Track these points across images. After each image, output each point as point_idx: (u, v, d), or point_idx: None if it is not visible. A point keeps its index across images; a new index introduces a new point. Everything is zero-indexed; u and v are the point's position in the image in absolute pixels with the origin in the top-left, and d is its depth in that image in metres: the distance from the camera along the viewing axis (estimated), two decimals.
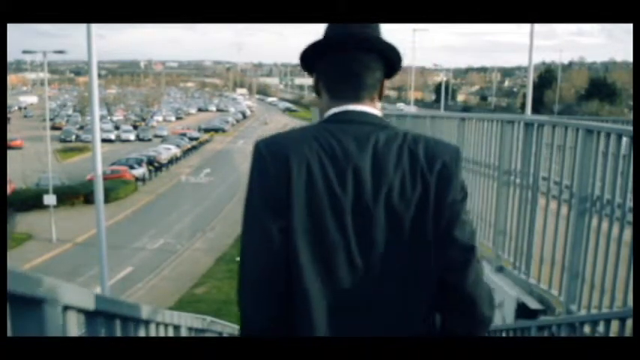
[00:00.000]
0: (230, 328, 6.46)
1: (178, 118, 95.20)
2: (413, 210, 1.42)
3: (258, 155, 1.46)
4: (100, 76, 47.26)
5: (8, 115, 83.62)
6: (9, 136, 60.99)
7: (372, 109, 1.52)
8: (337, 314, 1.45)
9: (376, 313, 1.46)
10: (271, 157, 1.43)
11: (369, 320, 1.47)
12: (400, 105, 68.47)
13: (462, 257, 1.45)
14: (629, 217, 3.83)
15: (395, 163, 1.43)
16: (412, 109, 55.08)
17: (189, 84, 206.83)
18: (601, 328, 3.50)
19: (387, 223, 1.42)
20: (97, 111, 13.18)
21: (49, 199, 28.01)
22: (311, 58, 1.59)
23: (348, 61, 1.53)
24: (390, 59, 1.58)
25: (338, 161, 1.42)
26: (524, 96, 38.42)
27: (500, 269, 5.59)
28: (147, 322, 3.05)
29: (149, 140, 63.34)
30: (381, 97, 1.57)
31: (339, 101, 1.52)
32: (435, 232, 1.44)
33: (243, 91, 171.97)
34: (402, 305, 1.47)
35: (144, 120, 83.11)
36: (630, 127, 4.01)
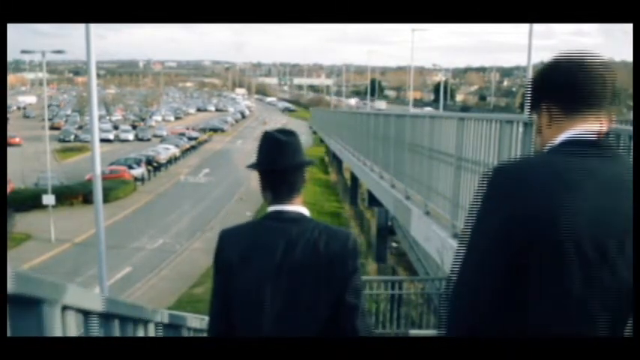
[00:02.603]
0: None
1: (177, 118, 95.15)
2: (312, 282, 2.11)
3: (219, 240, 2.25)
4: (98, 75, 47.19)
5: (7, 115, 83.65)
6: (7, 134, 61.35)
7: (297, 206, 2.24)
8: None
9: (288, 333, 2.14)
10: (224, 243, 2.23)
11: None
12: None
13: (349, 311, 2.13)
14: None
15: (302, 250, 2.13)
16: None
17: (188, 84, 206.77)
18: None
19: (292, 289, 2.12)
20: (96, 111, 13.12)
21: (48, 199, 27.95)
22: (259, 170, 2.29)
23: (286, 178, 2.23)
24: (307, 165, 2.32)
25: (263, 249, 2.15)
26: (523, 96, 38.43)
27: None
28: (146, 322, 3.05)
29: (148, 140, 63.27)
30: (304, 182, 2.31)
31: (277, 200, 2.23)
32: (332, 295, 2.11)
33: (242, 91, 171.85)
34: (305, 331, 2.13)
35: (143, 120, 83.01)
36: (629, 127, 4.02)
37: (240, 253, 2.17)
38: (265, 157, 2.25)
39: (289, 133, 2.27)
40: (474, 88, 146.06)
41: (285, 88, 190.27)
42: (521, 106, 49.73)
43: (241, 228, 2.29)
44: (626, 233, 1.48)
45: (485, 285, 1.54)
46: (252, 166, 2.26)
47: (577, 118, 1.57)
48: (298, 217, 2.21)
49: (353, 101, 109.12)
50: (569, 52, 1.63)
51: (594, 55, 1.61)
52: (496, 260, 1.51)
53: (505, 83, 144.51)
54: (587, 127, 1.56)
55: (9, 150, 51.85)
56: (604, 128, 1.57)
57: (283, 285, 2.12)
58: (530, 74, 26.70)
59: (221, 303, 2.24)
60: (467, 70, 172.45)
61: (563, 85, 1.59)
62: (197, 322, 4.79)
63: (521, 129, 5.43)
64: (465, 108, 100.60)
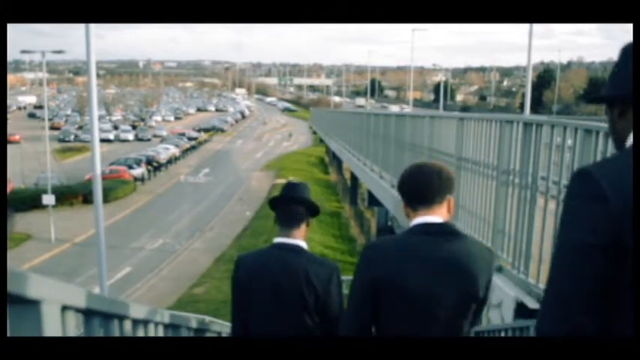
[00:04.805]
0: (229, 327, 6.45)
1: (177, 118, 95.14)
2: (303, 305, 2.78)
3: (236, 263, 2.95)
4: (98, 75, 46.81)
5: (7, 115, 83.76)
6: (7, 133, 62.16)
7: (296, 239, 2.90)
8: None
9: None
10: (240, 266, 2.93)
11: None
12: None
13: (332, 321, 2.77)
14: None
15: (296, 280, 2.78)
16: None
17: (188, 84, 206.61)
18: None
19: (287, 306, 2.78)
20: (96, 111, 13.11)
21: (48, 199, 27.94)
22: (273, 204, 3.03)
23: (290, 209, 2.94)
24: (311, 208, 2.99)
25: (268, 272, 2.82)
26: (523, 96, 38.42)
27: (499, 269, 5.60)
28: (146, 322, 3.05)
29: (148, 140, 63.27)
30: (308, 225, 2.98)
31: (283, 231, 2.92)
32: (316, 312, 2.79)
33: (242, 91, 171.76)
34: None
35: (143, 120, 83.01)
36: None
37: (251, 275, 2.85)
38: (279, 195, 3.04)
39: (301, 182, 3.13)
40: (474, 88, 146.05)
41: (291, 89, 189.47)
42: (521, 106, 49.73)
43: (253, 254, 3.02)
44: (454, 291, 2.15)
45: (357, 317, 2.26)
46: (270, 202, 3.07)
47: (420, 210, 2.26)
48: (297, 249, 2.89)
49: (337, 98, 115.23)
50: (417, 163, 2.39)
51: (431, 164, 2.36)
52: (363, 306, 2.22)
53: (505, 83, 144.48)
54: (430, 216, 2.24)
55: (8, 148, 51.99)
56: (444, 216, 2.26)
57: (281, 304, 2.79)
58: (530, 74, 26.67)
59: (237, 313, 2.92)
60: (467, 70, 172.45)
61: (407, 190, 2.31)
62: (196, 322, 4.78)
63: (521, 129, 5.43)
64: (465, 108, 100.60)
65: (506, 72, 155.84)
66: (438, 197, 2.25)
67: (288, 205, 2.95)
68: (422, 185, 2.27)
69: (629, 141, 1.49)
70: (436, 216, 2.25)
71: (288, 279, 2.78)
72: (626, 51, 1.52)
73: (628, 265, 1.34)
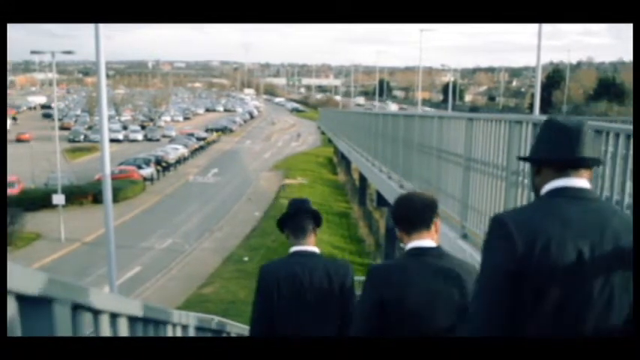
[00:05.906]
0: (238, 327, 6.46)
1: (186, 119, 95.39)
2: (328, 299, 3.22)
3: (260, 272, 3.30)
4: (107, 76, 46.93)
5: (17, 115, 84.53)
6: (18, 130, 63.41)
7: (310, 246, 3.36)
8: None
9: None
10: (264, 274, 3.29)
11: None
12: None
13: (349, 316, 3.11)
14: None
15: (320, 279, 3.23)
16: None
17: (197, 84, 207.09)
18: None
19: (314, 303, 3.21)
20: (106, 111, 13.15)
21: (58, 199, 28.07)
22: (282, 221, 3.46)
23: (299, 221, 3.39)
24: (317, 217, 3.43)
25: (293, 278, 3.23)
26: (532, 96, 38.23)
27: None
28: (155, 322, 3.06)
29: (157, 140, 63.46)
30: (316, 234, 3.42)
31: (297, 241, 3.37)
32: (338, 306, 3.23)
33: (251, 91, 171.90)
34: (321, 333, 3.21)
35: (152, 120, 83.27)
36: (629, 127, 3.99)
37: (279, 280, 3.22)
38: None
39: (303, 198, 3.62)
40: (483, 88, 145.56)
41: (302, 90, 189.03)
42: (531, 107, 49.55)
43: (277, 262, 3.41)
44: (446, 303, 2.51)
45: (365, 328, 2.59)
46: (279, 221, 3.48)
47: (413, 235, 2.65)
48: (314, 254, 3.35)
49: (338, 97, 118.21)
50: (406, 193, 2.87)
51: (420, 192, 2.90)
52: (370, 321, 2.55)
53: (514, 83, 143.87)
54: (421, 240, 2.65)
55: (19, 147, 52.46)
56: (433, 238, 2.66)
57: (308, 301, 3.20)
58: (539, 74, 26.52)
59: (262, 317, 3.24)
60: (475, 71, 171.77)
61: (398, 217, 2.71)
62: (205, 322, 4.80)
63: (530, 129, 5.41)
64: (473, 108, 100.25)
65: (515, 72, 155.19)
66: (425, 223, 2.68)
67: (299, 217, 3.39)
68: (412, 214, 2.68)
69: (543, 191, 1.98)
70: (426, 239, 2.65)
71: (313, 278, 3.23)
72: (545, 122, 2.00)
73: (528, 287, 1.79)
